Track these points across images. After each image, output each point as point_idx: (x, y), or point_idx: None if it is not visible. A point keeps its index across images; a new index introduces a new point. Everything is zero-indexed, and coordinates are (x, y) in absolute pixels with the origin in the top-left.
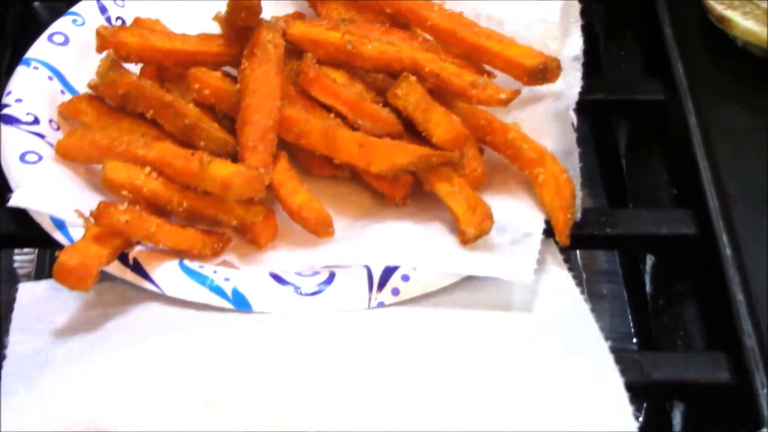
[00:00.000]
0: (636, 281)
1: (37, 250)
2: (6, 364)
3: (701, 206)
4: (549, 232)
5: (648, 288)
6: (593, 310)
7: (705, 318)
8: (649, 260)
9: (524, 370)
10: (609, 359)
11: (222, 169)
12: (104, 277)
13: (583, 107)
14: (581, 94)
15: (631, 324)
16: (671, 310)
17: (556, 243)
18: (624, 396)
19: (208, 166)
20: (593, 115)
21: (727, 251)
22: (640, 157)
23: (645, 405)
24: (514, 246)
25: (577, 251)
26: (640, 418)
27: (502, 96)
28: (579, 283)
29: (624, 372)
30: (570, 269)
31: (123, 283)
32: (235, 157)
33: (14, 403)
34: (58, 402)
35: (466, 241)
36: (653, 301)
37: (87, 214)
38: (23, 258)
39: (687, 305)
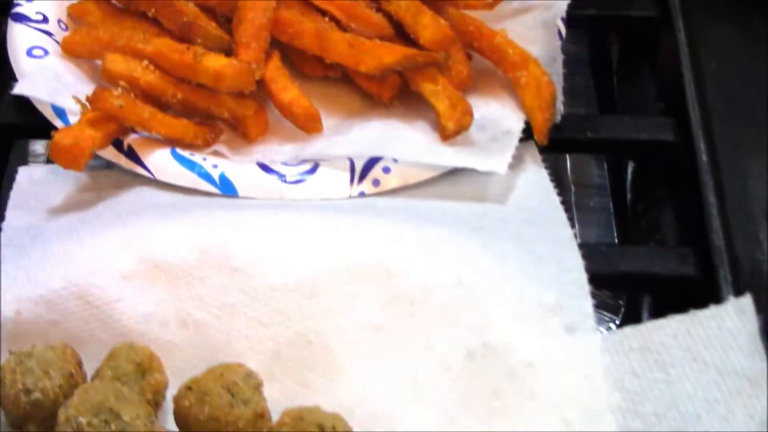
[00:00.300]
0: (622, 192)
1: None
2: (2, 236)
3: (683, 116)
4: (531, 134)
5: (628, 195)
6: (580, 222)
7: (679, 222)
8: (630, 168)
9: (492, 250)
10: (573, 245)
11: (215, 62)
12: (102, 166)
13: (575, 22)
14: (575, 8)
15: (615, 234)
16: (648, 215)
17: (537, 144)
18: (583, 278)
19: (202, 58)
20: (586, 31)
21: (704, 158)
22: (630, 72)
23: (623, 310)
24: (493, 142)
25: (568, 165)
26: (617, 321)
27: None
28: (567, 199)
29: (590, 262)
30: (547, 168)
31: (118, 171)
32: (230, 55)
33: (5, 270)
34: (44, 269)
35: (446, 136)
36: (632, 207)
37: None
38: (36, 161)
39: (663, 210)
